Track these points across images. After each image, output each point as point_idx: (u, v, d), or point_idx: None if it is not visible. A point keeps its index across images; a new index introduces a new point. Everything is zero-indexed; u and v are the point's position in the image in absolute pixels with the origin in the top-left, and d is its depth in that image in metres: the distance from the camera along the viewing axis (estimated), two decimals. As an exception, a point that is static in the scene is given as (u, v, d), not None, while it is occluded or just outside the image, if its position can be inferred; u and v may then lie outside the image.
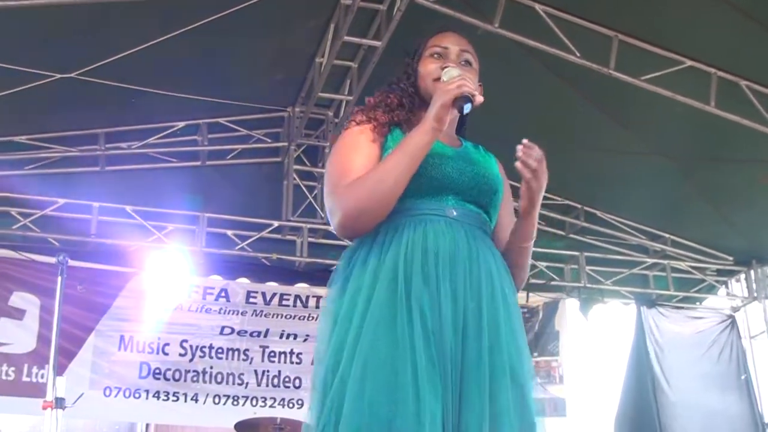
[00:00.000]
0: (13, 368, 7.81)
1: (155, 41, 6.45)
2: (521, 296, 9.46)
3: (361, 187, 2.23)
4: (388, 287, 2.16)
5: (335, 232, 2.33)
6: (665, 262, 9.71)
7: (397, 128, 2.40)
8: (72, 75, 6.76)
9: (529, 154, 2.25)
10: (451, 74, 2.33)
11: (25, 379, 7.81)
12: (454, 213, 2.30)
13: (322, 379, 2.17)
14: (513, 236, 2.41)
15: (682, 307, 10.00)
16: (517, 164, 2.25)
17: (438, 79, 2.41)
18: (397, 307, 2.13)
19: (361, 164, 2.29)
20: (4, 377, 7.78)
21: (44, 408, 4.95)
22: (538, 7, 6.35)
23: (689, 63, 6.51)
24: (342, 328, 2.19)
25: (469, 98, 2.21)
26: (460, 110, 2.22)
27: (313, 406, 2.18)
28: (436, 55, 2.50)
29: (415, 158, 2.21)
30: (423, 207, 2.29)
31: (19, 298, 7.96)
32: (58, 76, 6.76)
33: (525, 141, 2.26)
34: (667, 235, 9.60)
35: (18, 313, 7.95)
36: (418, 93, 2.46)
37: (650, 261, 9.73)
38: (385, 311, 2.13)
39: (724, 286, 10.09)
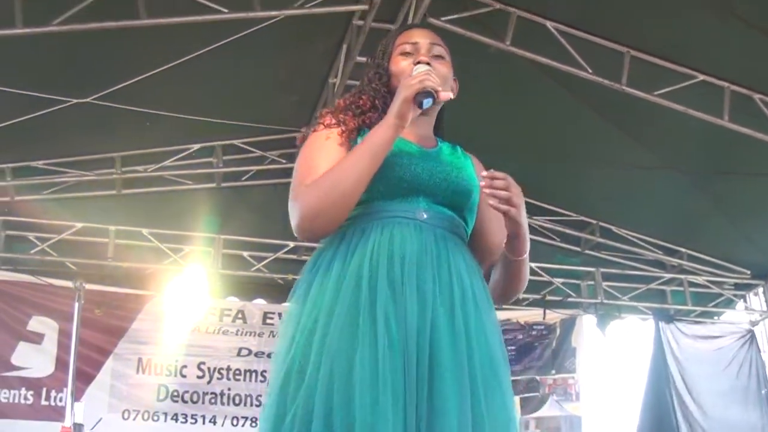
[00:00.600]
0: (31, 392, 7.86)
1: (169, 65, 6.50)
2: (538, 313, 9.47)
3: (319, 186, 2.14)
4: (353, 293, 2.07)
5: (295, 235, 2.21)
6: (682, 276, 9.67)
7: (366, 130, 2.28)
8: (88, 100, 6.82)
9: (494, 185, 2.12)
10: (420, 70, 2.23)
11: (44, 402, 7.85)
12: (425, 216, 2.20)
13: (280, 386, 2.07)
14: (507, 251, 2.26)
15: (700, 322, 9.96)
16: (489, 202, 2.13)
17: None
18: (360, 314, 2.03)
19: (324, 166, 2.18)
20: (23, 401, 7.82)
21: (63, 433, 4.97)
22: (549, 24, 6.36)
23: (702, 77, 6.51)
24: (305, 334, 2.08)
25: (430, 93, 2.14)
26: (420, 105, 2.14)
27: (270, 413, 2.07)
28: (406, 53, 2.40)
29: (377, 155, 2.13)
30: (392, 209, 2.19)
31: (37, 323, 8.00)
32: (74, 101, 6.82)
33: (484, 173, 2.14)
34: (683, 250, 9.56)
35: (37, 337, 8.00)
36: (391, 93, 2.30)
37: (667, 276, 9.70)
38: (349, 318, 2.04)
39: (742, 300, 10.05)
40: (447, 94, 2.21)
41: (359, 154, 2.14)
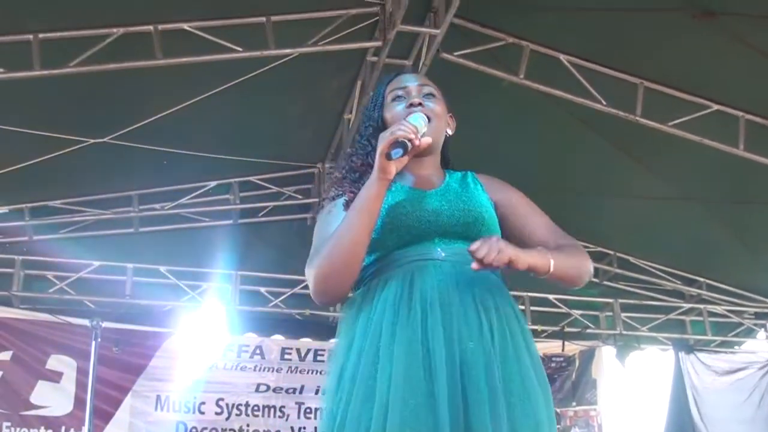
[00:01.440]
0: (51, 431, 7.85)
1: (185, 104, 6.55)
2: (557, 345, 9.42)
3: (323, 253, 2.20)
4: (378, 340, 2.13)
5: (315, 302, 2.30)
6: (701, 306, 9.63)
7: None
8: (105, 140, 6.88)
9: (478, 257, 2.11)
10: (411, 119, 2.25)
11: (63, 441, 7.85)
12: (443, 254, 2.24)
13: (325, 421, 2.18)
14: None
15: (720, 352, 9.88)
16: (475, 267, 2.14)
17: None
18: (390, 357, 2.09)
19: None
20: (42, 440, 7.82)
21: (82, 472, 4.96)
22: (562, 57, 6.39)
23: (716, 107, 6.51)
24: (338, 388, 2.18)
25: (403, 143, 2.13)
26: (388, 157, 2.13)
27: None
28: (398, 99, 2.45)
29: (368, 212, 2.18)
30: (408, 255, 2.25)
31: (56, 361, 8.02)
32: (91, 141, 6.88)
33: (467, 249, 2.13)
34: (702, 279, 9.52)
35: (55, 376, 8.01)
36: None
37: (686, 306, 9.65)
38: (376, 361, 2.10)
39: (762, 329, 9.97)
40: (426, 140, 2.20)
41: (351, 213, 2.20)
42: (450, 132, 2.51)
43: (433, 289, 2.16)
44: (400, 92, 2.46)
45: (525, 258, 2.17)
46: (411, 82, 2.48)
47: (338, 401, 2.14)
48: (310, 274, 2.23)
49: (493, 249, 2.09)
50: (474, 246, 2.10)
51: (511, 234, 2.41)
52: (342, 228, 2.20)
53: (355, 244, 2.17)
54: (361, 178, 2.34)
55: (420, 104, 2.38)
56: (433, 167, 2.47)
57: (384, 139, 2.15)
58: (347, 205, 2.31)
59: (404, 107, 2.40)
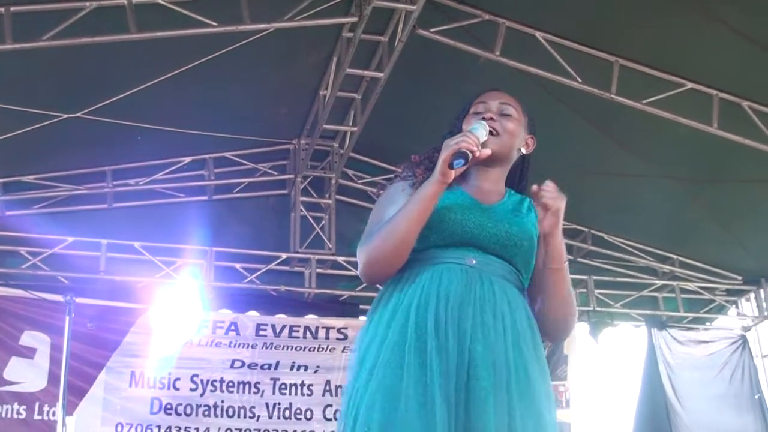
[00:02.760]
0: (24, 406, 7.82)
1: (160, 79, 6.51)
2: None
3: (376, 237, 2.37)
4: (401, 330, 2.27)
5: (362, 279, 2.47)
6: (674, 283, 9.69)
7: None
8: (78, 114, 6.82)
9: (543, 189, 2.37)
10: (471, 127, 2.43)
11: (36, 417, 7.81)
12: (474, 262, 2.38)
13: (343, 414, 2.33)
14: (543, 260, 2.46)
15: (692, 328, 9.98)
16: (542, 200, 2.37)
17: None
18: (406, 351, 2.23)
19: (389, 217, 2.40)
20: (15, 415, 7.78)
21: (56, 448, 4.96)
22: (538, 34, 6.40)
23: (690, 85, 6.55)
24: (361, 368, 2.31)
25: (464, 154, 2.28)
26: (450, 166, 2.28)
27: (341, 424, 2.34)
28: (476, 113, 2.59)
29: (423, 208, 2.32)
30: (444, 256, 2.39)
31: (29, 337, 7.98)
32: (65, 116, 6.82)
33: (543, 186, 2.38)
34: (675, 257, 9.59)
35: (29, 352, 7.97)
36: None
37: (659, 283, 9.72)
38: (396, 353, 2.24)
39: (734, 305, 10.07)
40: (486, 152, 2.37)
41: (408, 207, 2.35)
42: (525, 152, 2.66)
43: (456, 290, 2.31)
44: (480, 107, 2.60)
45: (559, 233, 2.41)
46: (492, 99, 2.63)
47: (357, 389, 2.28)
48: (361, 256, 2.41)
49: (557, 200, 2.37)
50: (549, 182, 2.37)
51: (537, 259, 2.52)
52: (396, 219, 2.35)
53: (408, 234, 2.34)
54: (434, 168, 2.41)
55: (491, 119, 2.53)
56: (496, 181, 2.61)
57: (448, 147, 2.30)
58: (413, 187, 2.46)
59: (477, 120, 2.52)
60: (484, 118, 2.52)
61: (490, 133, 2.47)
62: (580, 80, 6.45)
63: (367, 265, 2.40)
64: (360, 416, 2.22)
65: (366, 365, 2.30)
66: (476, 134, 2.37)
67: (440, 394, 2.15)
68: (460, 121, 2.63)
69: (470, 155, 2.30)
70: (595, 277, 9.57)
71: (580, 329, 9.65)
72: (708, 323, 10.20)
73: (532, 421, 2.21)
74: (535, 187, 2.38)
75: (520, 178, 2.72)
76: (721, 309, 10.08)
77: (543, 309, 2.48)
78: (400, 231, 2.34)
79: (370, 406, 2.20)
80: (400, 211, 2.36)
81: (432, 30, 6.32)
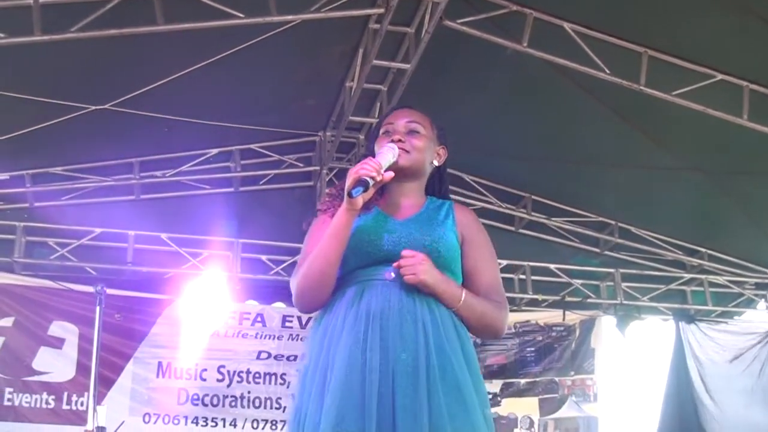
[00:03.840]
0: (53, 396, 7.90)
1: (187, 71, 6.52)
2: (557, 314, 9.45)
3: (303, 270, 2.56)
4: (326, 348, 2.46)
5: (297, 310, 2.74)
6: (703, 276, 9.63)
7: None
8: (106, 106, 6.86)
9: (399, 264, 2.48)
10: (381, 153, 2.59)
11: (65, 407, 7.89)
12: (393, 275, 2.51)
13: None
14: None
15: (721, 322, 9.90)
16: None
17: None
18: (327, 366, 2.42)
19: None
20: (44, 405, 7.86)
21: (85, 437, 4.99)
22: (566, 25, 6.34)
23: (720, 76, 6.47)
24: (303, 392, 2.49)
25: (363, 182, 2.42)
26: (350, 195, 2.43)
27: None
28: (386, 133, 2.74)
29: (339, 237, 2.49)
30: (367, 274, 2.54)
31: (58, 327, 8.05)
32: (93, 107, 6.86)
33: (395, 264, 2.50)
34: (703, 250, 9.52)
35: (57, 342, 8.04)
36: None
37: (687, 276, 9.66)
38: (321, 369, 2.44)
39: (763, 299, 9.99)
40: (389, 174, 2.50)
41: (325, 240, 2.52)
42: (437, 163, 2.79)
43: (377, 305, 2.46)
44: (388, 127, 2.76)
45: (437, 285, 2.50)
46: (399, 119, 2.77)
47: (300, 400, 2.47)
48: (292, 288, 2.60)
49: (412, 268, 2.46)
50: (404, 253, 2.48)
51: (462, 266, 2.68)
52: (317, 251, 2.52)
53: (328, 263, 2.51)
54: None
55: (400, 140, 2.67)
56: (412, 194, 2.75)
57: (349, 177, 2.46)
58: (332, 217, 2.59)
59: (387, 142, 2.67)
60: (392, 140, 2.66)
61: (403, 151, 2.63)
62: (608, 71, 6.39)
63: (297, 296, 2.58)
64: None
65: (306, 390, 2.46)
66: (380, 160, 2.51)
67: (367, 415, 2.29)
68: (371, 142, 2.81)
69: (370, 182, 2.44)
70: (622, 271, 9.53)
71: (607, 322, 9.62)
72: (737, 317, 10.12)
73: (461, 422, 2.34)
74: (395, 264, 2.49)
75: (440, 186, 2.84)
76: (750, 303, 10.01)
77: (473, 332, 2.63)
78: (320, 262, 2.50)
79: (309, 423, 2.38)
80: (319, 244, 2.53)
81: (459, 21, 6.27)
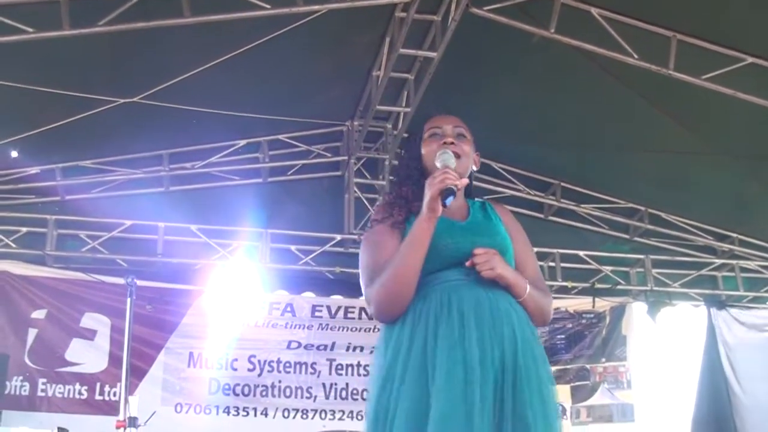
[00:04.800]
0: (85, 387, 7.96)
1: (214, 62, 6.55)
2: (587, 301, 9.41)
3: (384, 283, 2.60)
4: (423, 351, 2.51)
5: (377, 320, 2.72)
6: (734, 262, 9.55)
7: (413, 216, 2.70)
8: (134, 99, 6.90)
9: (475, 261, 2.60)
10: (442, 158, 2.67)
11: (97, 397, 7.96)
12: (472, 277, 2.61)
13: (373, 421, 2.55)
14: None
15: (753, 308, 9.81)
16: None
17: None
18: (428, 367, 2.47)
19: (386, 260, 2.64)
20: (77, 396, 7.93)
21: (117, 427, 5.04)
22: (593, 10, 6.30)
23: (750, 60, 6.40)
24: (386, 385, 2.54)
25: (452, 190, 2.53)
26: (443, 204, 2.54)
27: None
28: (434, 135, 2.83)
29: (420, 245, 2.57)
30: (446, 276, 2.63)
31: (90, 319, 8.11)
32: (122, 101, 6.90)
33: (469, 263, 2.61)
34: (734, 235, 9.45)
35: (89, 334, 8.11)
36: (425, 174, 2.77)
37: (718, 262, 9.59)
38: (420, 371, 2.48)
39: (794, 284, 9.89)
40: (464, 181, 2.64)
41: (407, 247, 2.60)
42: (475, 168, 2.89)
43: (468, 305, 2.56)
44: (437, 131, 2.84)
45: (511, 277, 2.64)
46: (446, 123, 2.86)
47: (386, 399, 2.51)
48: (372, 297, 2.65)
49: (488, 263, 2.59)
50: (476, 251, 2.60)
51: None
52: (399, 257, 2.59)
53: (412, 270, 2.57)
54: (407, 204, 2.78)
55: (452, 143, 2.77)
56: (461, 199, 2.84)
57: (433, 186, 2.54)
58: (395, 227, 2.73)
59: (438, 144, 2.77)
60: (445, 143, 2.77)
61: (456, 156, 2.71)
62: (636, 56, 6.35)
63: (380, 306, 2.63)
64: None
65: (394, 382, 2.51)
66: (451, 166, 2.62)
67: (479, 401, 2.39)
68: (417, 144, 2.88)
69: (456, 188, 2.54)
70: (652, 257, 9.47)
71: (638, 309, 9.57)
72: (769, 302, 10.03)
73: (542, 420, 2.46)
74: (468, 262, 2.61)
75: (469, 188, 2.91)
76: (782, 288, 9.91)
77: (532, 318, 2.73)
78: (407, 272, 2.57)
79: (401, 424, 2.43)
80: (400, 254, 2.60)
81: (485, 8, 6.26)
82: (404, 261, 2.58)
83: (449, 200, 2.54)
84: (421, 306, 2.60)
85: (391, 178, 7.62)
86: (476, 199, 2.96)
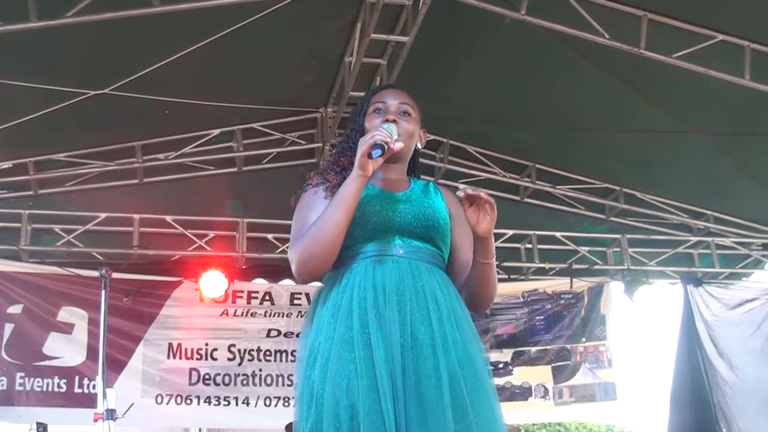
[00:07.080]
0: (64, 380, 7.98)
1: (185, 52, 6.49)
2: (565, 282, 9.46)
3: (307, 236, 2.55)
4: (346, 323, 2.46)
5: (297, 279, 2.64)
6: (709, 239, 9.62)
7: None
8: (105, 91, 6.84)
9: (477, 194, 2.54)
10: (387, 127, 2.63)
11: (76, 390, 7.97)
12: (401, 252, 2.60)
13: (298, 402, 2.55)
14: (479, 256, 2.63)
15: (729, 284, 9.89)
16: (468, 191, 2.55)
17: None
18: (354, 340, 2.43)
19: (313, 219, 2.58)
20: (55, 389, 7.95)
21: (95, 420, 5.02)
22: (564, -9, 6.30)
23: (721, 37, 6.41)
24: (315, 362, 2.49)
25: (381, 145, 2.51)
26: (369, 156, 2.50)
27: (298, 418, 2.55)
28: (377, 111, 2.80)
29: (348, 203, 2.51)
30: (372, 249, 2.60)
31: (67, 313, 8.10)
32: (92, 92, 6.84)
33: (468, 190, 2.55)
34: (709, 212, 9.50)
35: (67, 327, 8.10)
36: None
37: (694, 239, 9.65)
38: (346, 344, 2.43)
39: (770, 259, 9.97)
40: (399, 144, 2.59)
41: (334, 203, 2.54)
42: (420, 146, 2.89)
43: (391, 282, 2.51)
44: (380, 106, 2.82)
45: (491, 238, 2.60)
46: (391, 100, 2.83)
47: (313, 382, 2.46)
48: (294, 256, 2.57)
49: (492, 207, 2.54)
50: (482, 195, 2.52)
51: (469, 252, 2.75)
52: (325, 216, 2.53)
53: (337, 230, 2.51)
54: (343, 171, 2.69)
55: (394, 121, 2.73)
56: (400, 174, 2.84)
57: (364, 143, 2.52)
58: (327, 191, 2.67)
59: (381, 121, 2.74)
60: (387, 120, 2.73)
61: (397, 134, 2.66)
62: (607, 36, 6.35)
63: (301, 264, 2.55)
64: (325, 408, 2.39)
65: (319, 360, 2.46)
66: (388, 130, 2.59)
67: (387, 381, 2.35)
68: (360, 117, 2.84)
69: (386, 146, 2.52)
70: (628, 236, 9.51)
71: (616, 288, 9.63)
72: (745, 278, 10.11)
73: (478, 398, 2.43)
74: (469, 191, 2.55)
75: (413, 167, 2.93)
76: (757, 264, 9.99)
77: (472, 294, 2.70)
78: (330, 228, 2.50)
79: (331, 397, 2.38)
80: (326, 211, 2.54)
81: (456, -9, 6.24)
82: (330, 218, 2.51)
83: (376, 153, 2.50)
84: (344, 278, 2.56)
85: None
86: (423, 178, 2.93)
